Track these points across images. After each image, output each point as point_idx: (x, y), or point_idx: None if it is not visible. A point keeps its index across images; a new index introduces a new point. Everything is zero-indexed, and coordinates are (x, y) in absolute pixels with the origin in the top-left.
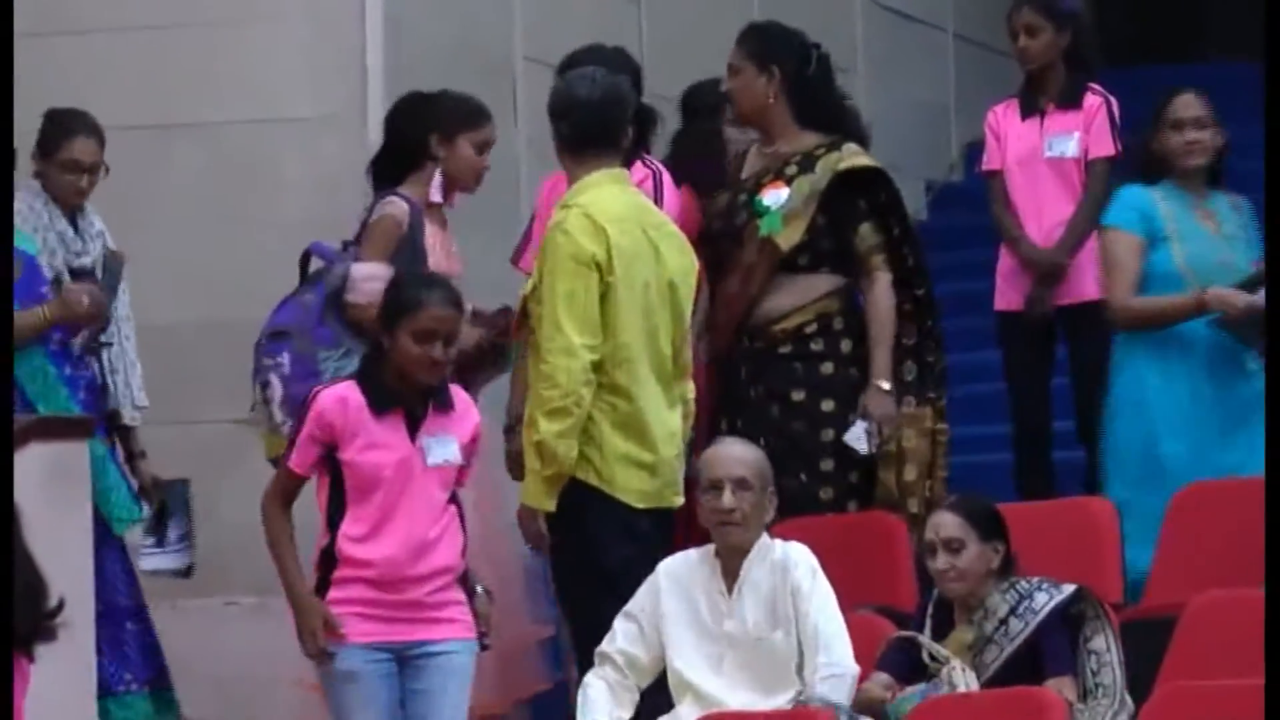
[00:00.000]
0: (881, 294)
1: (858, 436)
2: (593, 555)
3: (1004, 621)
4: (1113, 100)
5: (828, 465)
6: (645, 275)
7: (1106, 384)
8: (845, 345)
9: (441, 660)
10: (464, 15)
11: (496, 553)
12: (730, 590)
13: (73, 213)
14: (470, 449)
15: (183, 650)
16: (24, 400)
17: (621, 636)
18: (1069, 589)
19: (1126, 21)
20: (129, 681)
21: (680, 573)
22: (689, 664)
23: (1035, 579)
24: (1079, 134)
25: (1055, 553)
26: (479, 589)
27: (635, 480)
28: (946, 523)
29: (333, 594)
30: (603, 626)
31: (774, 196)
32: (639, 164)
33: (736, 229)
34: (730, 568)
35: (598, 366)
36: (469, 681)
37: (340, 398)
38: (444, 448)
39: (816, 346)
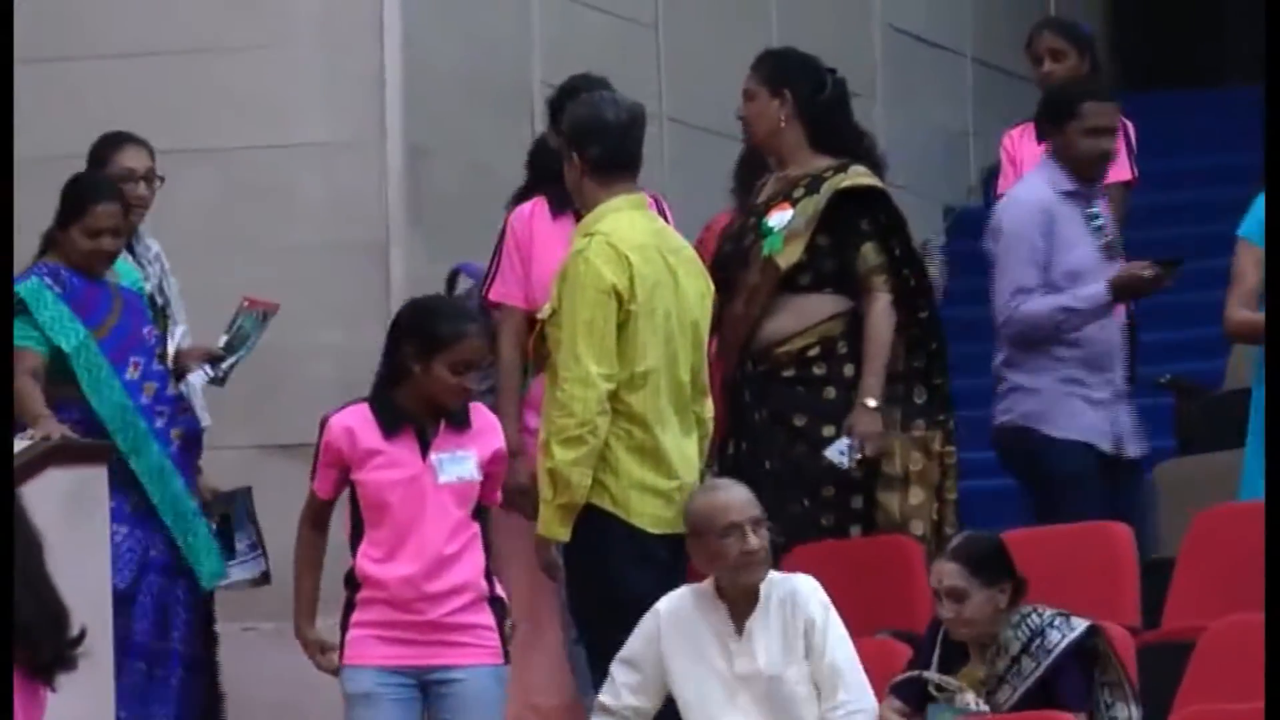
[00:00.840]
0: (879, 313)
1: (840, 451)
2: (609, 582)
3: (1016, 660)
4: (1129, 125)
5: (829, 491)
6: (666, 303)
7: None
8: (848, 370)
9: (461, 687)
10: (481, 39)
11: None
12: (740, 631)
13: (129, 239)
14: (493, 468)
15: None
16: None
17: (624, 689)
18: (1081, 625)
19: (1143, 45)
20: None
21: (682, 613)
22: (701, 701)
23: (1048, 613)
24: None
25: (1074, 578)
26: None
27: (651, 506)
28: (948, 572)
29: (356, 615)
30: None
31: (779, 218)
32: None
33: (744, 251)
34: (738, 609)
35: (614, 395)
36: (496, 707)
37: (346, 427)
38: (458, 465)
39: (819, 370)
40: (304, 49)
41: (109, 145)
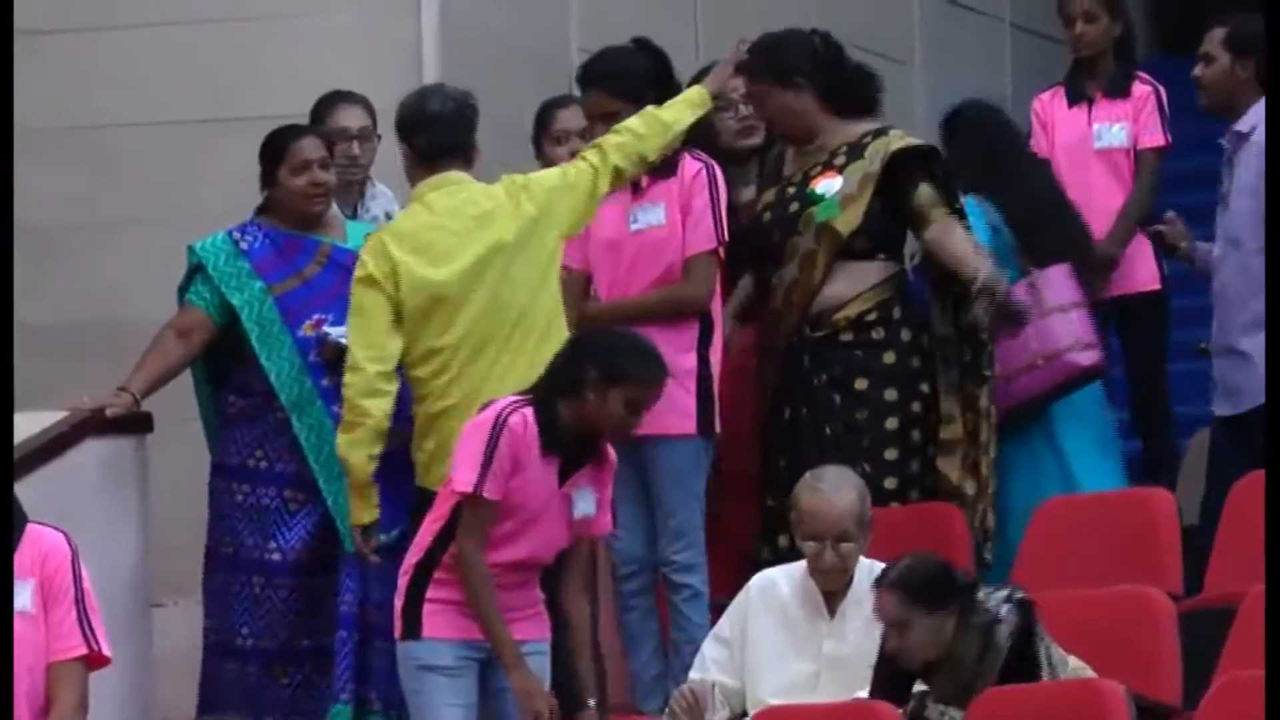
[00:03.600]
0: (960, 231)
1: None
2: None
3: (973, 668)
4: (1162, 89)
5: (891, 454)
6: (459, 280)
7: (1161, 374)
8: (905, 334)
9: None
10: (518, 6)
11: None
12: (833, 613)
13: (352, 200)
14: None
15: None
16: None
17: (713, 665)
18: (1015, 607)
19: (1182, 8)
20: (372, 701)
21: (774, 591)
22: (776, 688)
23: (991, 601)
24: (1128, 124)
25: (1114, 544)
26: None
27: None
28: (886, 603)
29: (431, 592)
30: None
31: (827, 185)
32: (688, 157)
33: (790, 218)
34: (832, 590)
35: (414, 373)
36: (548, 682)
37: (527, 431)
38: (585, 501)
39: (878, 335)
40: (340, 16)
41: (323, 105)
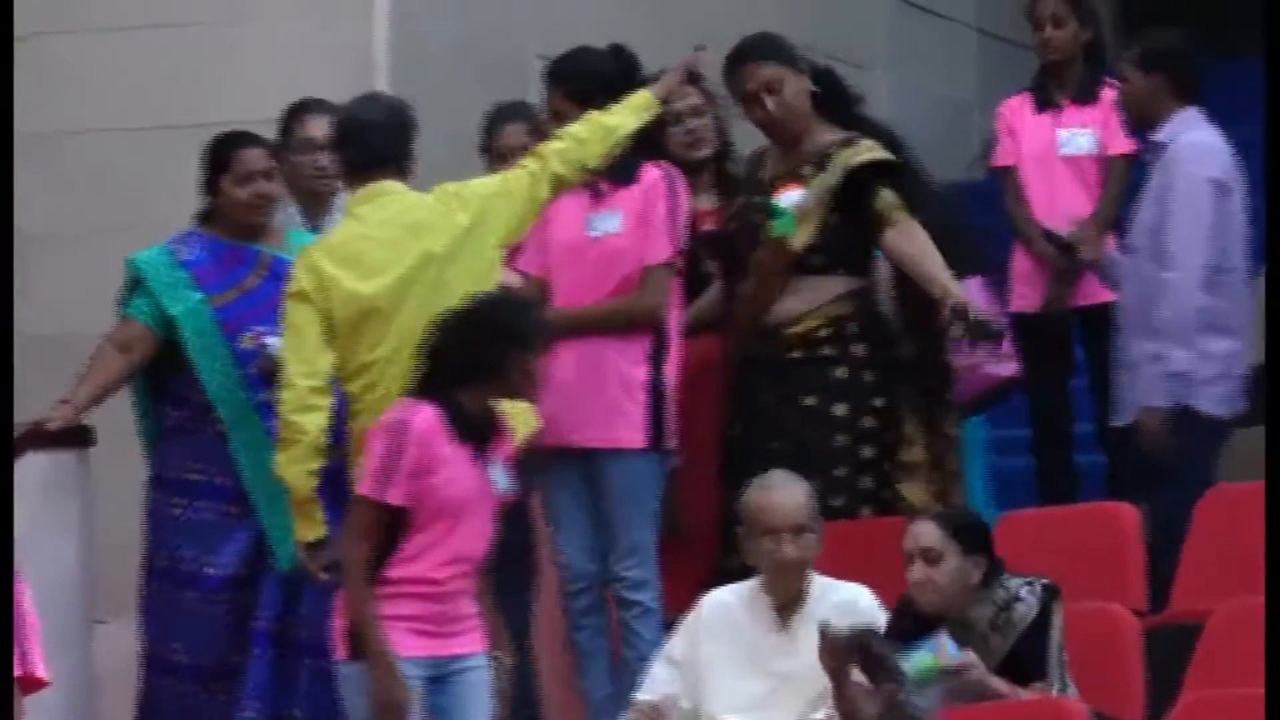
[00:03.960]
0: (919, 235)
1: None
2: None
3: (985, 637)
4: None
5: (841, 471)
6: (390, 292)
7: None
8: (859, 349)
9: (472, 675)
10: (472, 11)
11: None
12: (785, 624)
13: (318, 213)
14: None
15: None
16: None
17: (663, 685)
18: (1040, 592)
19: (1153, 15)
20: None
21: (725, 608)
22: (729, 706)
23: (1013, 582)
24: (1096, 130)
25: (1078, 558)
26: None
27: None
28: (925, 532)
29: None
30: None
31: (789, 197)
32: (649, 166)
33: (752, 229)
34: (784, 605)
35: (350, 388)
36: (491, 698)
37: (429, 428)
38: (501, 475)
39: (829, 351)
40: (293, 23)
41: (291, 114)
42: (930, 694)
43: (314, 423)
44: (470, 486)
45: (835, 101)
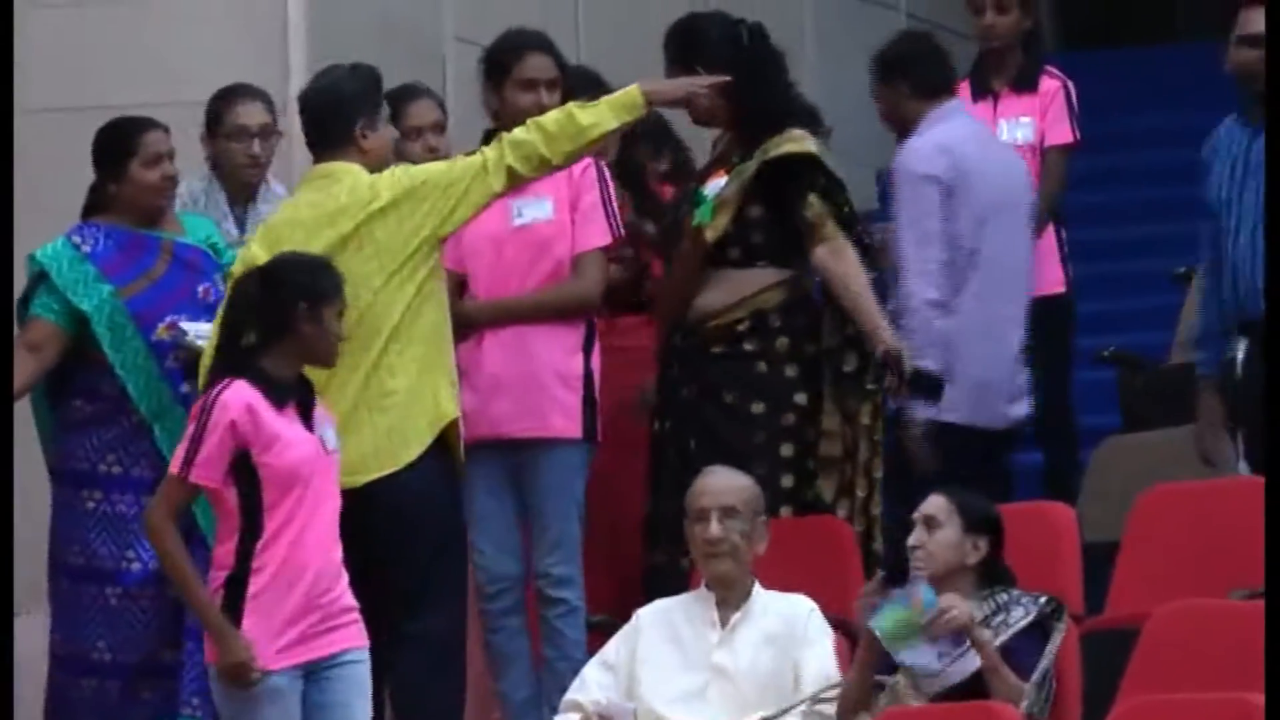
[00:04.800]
0: (850, 258)
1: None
2: None
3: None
4: (1071, 85)
5: (760, 470)
6: None
7: (1066, 382)
8: (781, 343)
9: (349, 670)
10: None
11: None
12: (725, 623)
13: (245, 200)
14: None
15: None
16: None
17: (595, 686)
18: (1043, 603)
19: (1091, 2)
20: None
21: (665, 609)
22: (666, 699)
23: (1018, 592)
24: (1035, 119)
25: (1014, 558)
26: None
27: None
28: (932, 500)
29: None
30: None
31: (713, 186)
32: None
33: (680, 220)
34: (726, 601)
35: None
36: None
37: (246, 404)
38: (330, 434)
39: (750, 345)
40: (207, 4)
41: (220, 101)
42: (916, 650)
43: None
44: (306, 450)
45: (768, 63)
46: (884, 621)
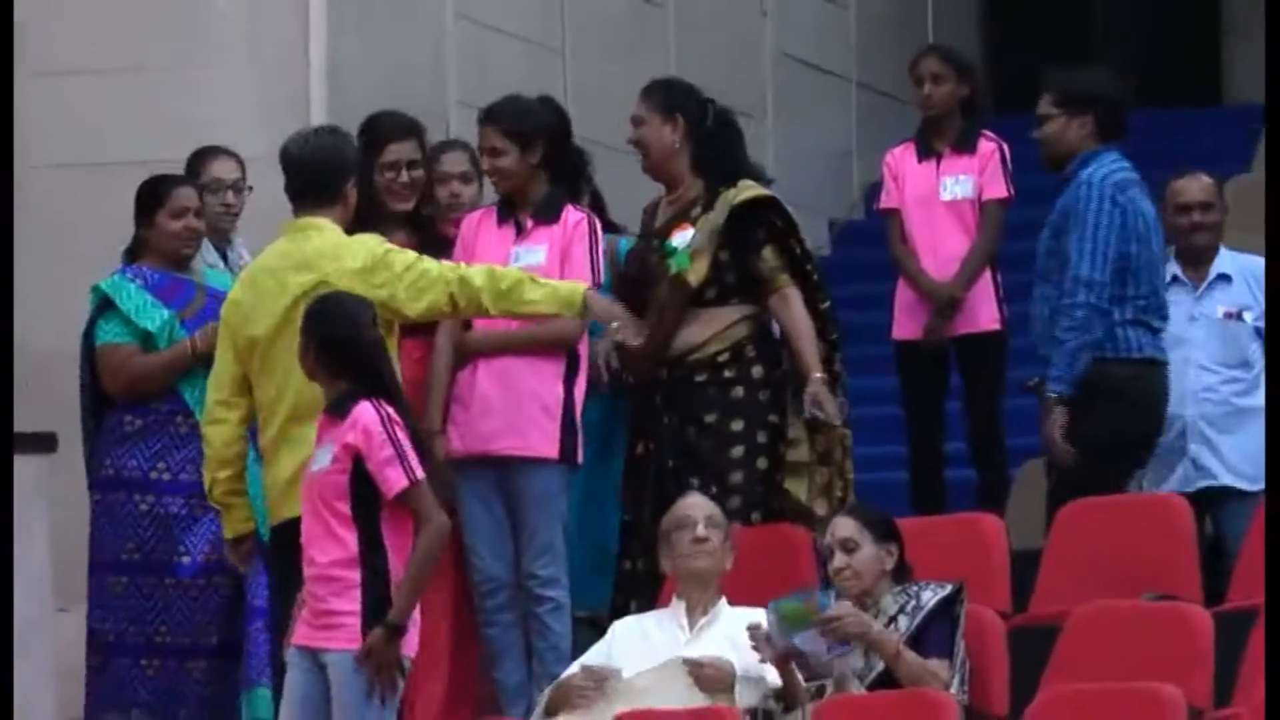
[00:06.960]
0: (795, 306)
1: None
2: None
3: (893, 619)
4: (1004, 146)
5: (736, 478)
6: (272, 331)
7: (998, 409)
8: (756, 370)
9: (335, 673)
10: (400, 60)
11: None
12: (691, 626)
13: (223, 246)
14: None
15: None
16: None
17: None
18: (951, 586)
19: (1017, 67)
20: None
21: (640, 622)
22: (645, 674)
23: (924, 581)
24: (974, 177)
25: (947, 564)
26: None
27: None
28: (843, 525)
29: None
30: None
31: (681, 238)
32: (571, 208)
33: (650, 271)
34: (694, 609)
35: (264, 445)
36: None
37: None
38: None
39: (729, 373)
40: (234, 68)
41: (199, 157)
42: (809, 638)
43: (218, 435)
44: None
45: (720, 155)
46: (783, 607)
